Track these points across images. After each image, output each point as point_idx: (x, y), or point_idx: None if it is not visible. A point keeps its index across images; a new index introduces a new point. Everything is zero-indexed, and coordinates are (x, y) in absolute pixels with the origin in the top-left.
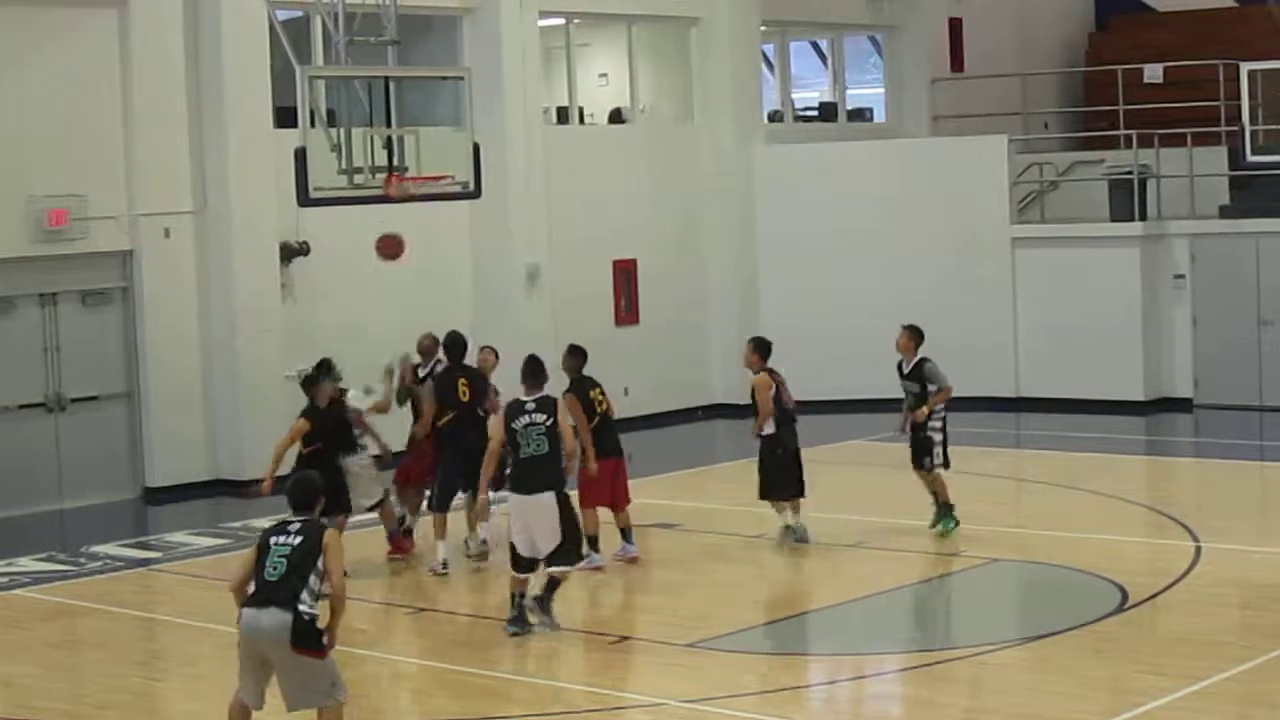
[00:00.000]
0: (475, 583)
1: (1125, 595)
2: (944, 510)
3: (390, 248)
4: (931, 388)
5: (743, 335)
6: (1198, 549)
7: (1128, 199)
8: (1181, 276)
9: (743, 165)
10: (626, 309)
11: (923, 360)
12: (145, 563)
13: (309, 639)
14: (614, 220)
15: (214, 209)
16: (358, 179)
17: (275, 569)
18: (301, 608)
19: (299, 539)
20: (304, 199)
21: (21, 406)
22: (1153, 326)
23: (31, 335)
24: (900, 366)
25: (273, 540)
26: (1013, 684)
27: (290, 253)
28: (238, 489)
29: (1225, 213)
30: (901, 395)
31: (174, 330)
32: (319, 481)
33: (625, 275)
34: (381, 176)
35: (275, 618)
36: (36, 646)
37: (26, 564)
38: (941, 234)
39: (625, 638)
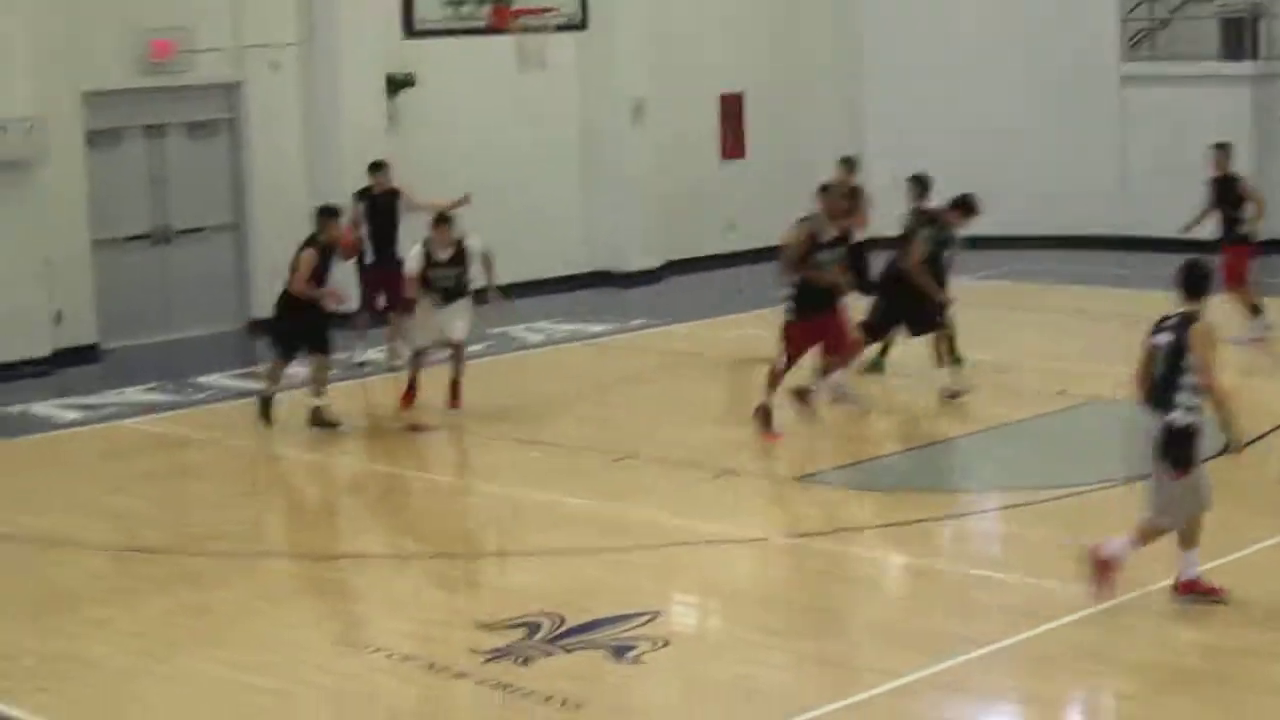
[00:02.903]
0: (590, 416)
1: None
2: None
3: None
4: None
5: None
6: None
7: (1239, 37)
8: None
9: None
10: (733, 143)
11: None
12: (252, 394)
13: (1169, 450)
14: (720, 53)
15: (320, 41)
16: (464, 10)
17: (1158, 368)
18: (1174, 414)
19: (1168, 336)
20: (410, 31)
21: (128, 238)
22: (1262, 167)
23: (138, 167)
24: None
25: (1155, 337)
26: (1115, 523)
27: (396, 85)
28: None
29: None
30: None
31: (280, 162)
32: (1208, 266)
33: (731, 109)
34: (487, 8)
35: (1151, 420)
36: (144, 477)
37: (134, 395)
38: (1051, 70)
39: (731, 471)
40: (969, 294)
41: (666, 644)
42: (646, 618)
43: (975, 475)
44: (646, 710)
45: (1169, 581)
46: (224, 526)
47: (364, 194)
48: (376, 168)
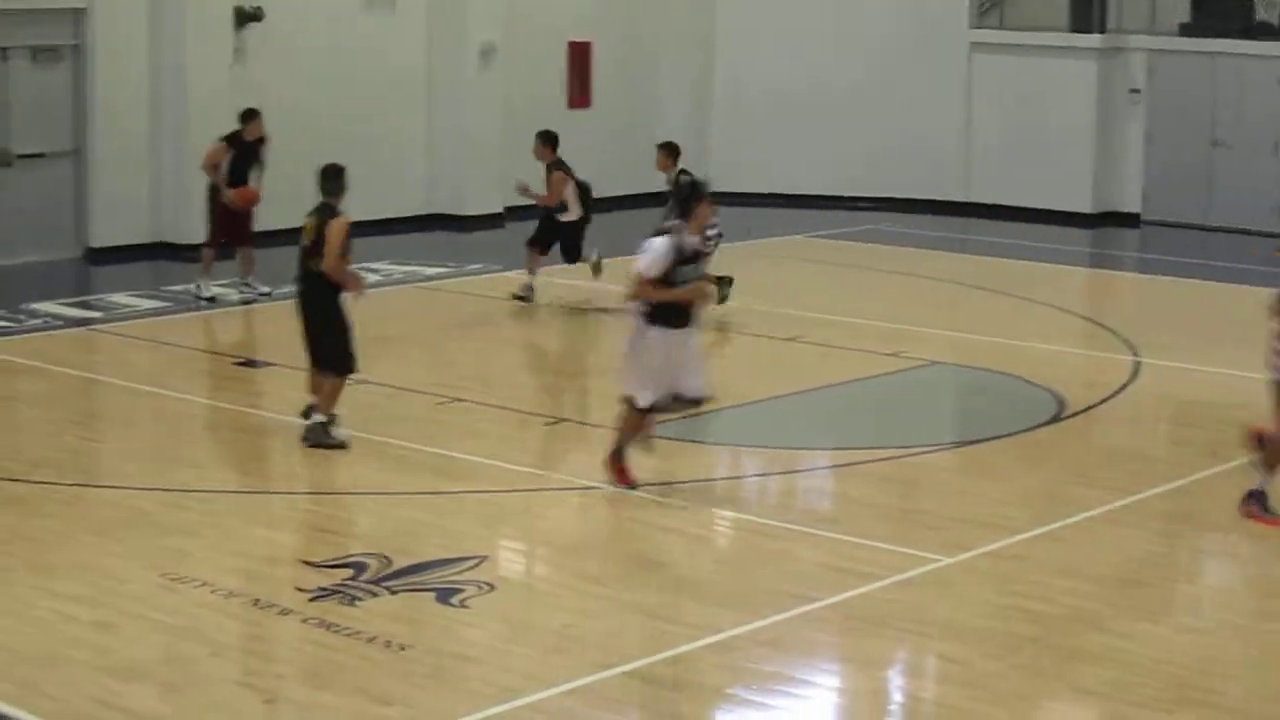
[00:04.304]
0: (420, 358)
1: (1062, 405)
2: None
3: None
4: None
5: (697, 121)
6: (1137, 364)
7: (1088, 9)
8: (1137, 91)
9: None
10: (580, 91)
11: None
12: (85, 323)
13: None
14: (570, 1)
15: None
16: None
17: None
18: None
19: None
20: None
21: None
22: (1105, 140)
23: None
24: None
25: None
26: (945, 487)
27: (244, 18)
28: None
29: (1185, 30)
30: None
31: (124, 90)
32: None
33: (580, 57)
34: None
35: None
36: None
37: None
38: (901, 33)
39: (562, 420)
40: (808, 250)
41: (492, 589)
42: (473, 562)
43: (807, 434)
44: (470, 655)
45: (995, 545)
46: (51, 454)
47: (233, 138)
48: (250, 115)
